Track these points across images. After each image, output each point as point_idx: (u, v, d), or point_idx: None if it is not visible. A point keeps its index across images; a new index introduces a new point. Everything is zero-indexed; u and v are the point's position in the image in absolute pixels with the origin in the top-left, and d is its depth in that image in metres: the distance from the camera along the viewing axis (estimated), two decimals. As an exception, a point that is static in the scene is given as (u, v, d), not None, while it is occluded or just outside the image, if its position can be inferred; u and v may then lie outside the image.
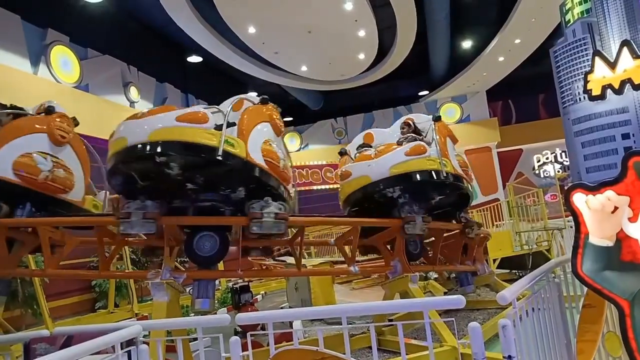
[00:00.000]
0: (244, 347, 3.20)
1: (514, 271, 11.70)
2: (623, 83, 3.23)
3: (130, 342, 3.20)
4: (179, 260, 8.71)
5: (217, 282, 8.16)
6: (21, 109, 5.97)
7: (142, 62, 16.77)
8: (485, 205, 14.88)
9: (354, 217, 6.28)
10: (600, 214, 2.93)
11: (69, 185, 5.58)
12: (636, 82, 3.20)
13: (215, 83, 22.20)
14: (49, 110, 5.74)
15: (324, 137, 27.32)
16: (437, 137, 6.20)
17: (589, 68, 3.41)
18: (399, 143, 6.48)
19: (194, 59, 19.43)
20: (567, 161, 24.26)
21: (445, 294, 9.37)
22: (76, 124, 6.08)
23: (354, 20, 15.39)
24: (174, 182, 4.87)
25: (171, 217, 5.06)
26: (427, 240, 7.03)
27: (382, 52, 18.83)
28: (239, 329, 6.86)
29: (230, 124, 4.90)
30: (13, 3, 11.77)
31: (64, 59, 13.21)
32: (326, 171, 13.45)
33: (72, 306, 12.11)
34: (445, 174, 5.81)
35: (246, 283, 8.55)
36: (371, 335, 3.05)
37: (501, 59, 20.32)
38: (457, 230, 6.78)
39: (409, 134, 6.66)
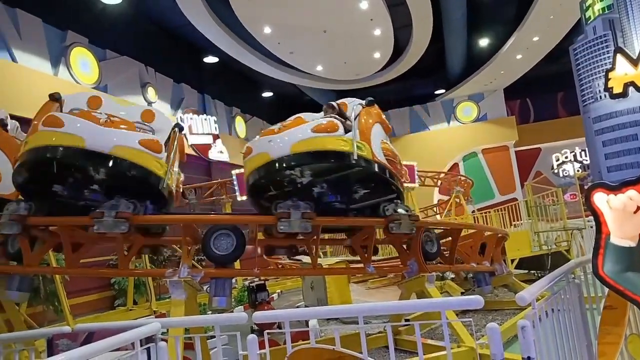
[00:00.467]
0: (261, 345, 3.22)
1: (532, 272, 11.56)
2: (646, 80, 3.18)
3: (149, 339, 3.26)
4: (195, 259, 8.81)
5: (233, 280, 8.22)
6: None
7: (159, 63, 16.96)
8: (503, 204, 14.70)
9: (260, 205, 5.65)
10: (622, 213, 2.88)
11: None
12: (660, 80, 3.14)
13: (231, 83, 22.34)
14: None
15: (339, 137, 27.27)
16: (360, 119, 5.47)
17: (610, 65, 3.35)
18: None
19: (210, 59, 19.58)
20: (587, 160, 23.88)
21: (462, 294, 9.31)
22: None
23: (369, 19, 15.35)
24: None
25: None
26: (444, 240, 6.97)
27: (398, 50, 18.75)
28: (255, 327, 6.91)
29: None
30: (35, 6, 12.02)
31: (83, 60, 13.44)
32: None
33: (92, 303, 12.32)
34: (356, 158, 4.99)
35: (262, 282, 8.59)
36: (388, 335, 3.04)
37: (519, 56, 20.08)
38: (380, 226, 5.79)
39: (330, 116, 5.75)
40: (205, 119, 18.41)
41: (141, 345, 3.11)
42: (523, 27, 17.39)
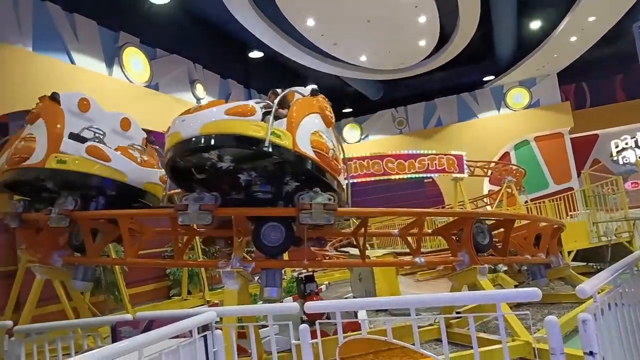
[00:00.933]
0: (312, 336, 3.26)
1: (590, 264, 11.07)
2: None
3: (205, 328, 3.38)
4: (245, 251, 9.01)
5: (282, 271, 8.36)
6: None
7: (206, 60, 17.40)
8: (558, 194, 14.11)
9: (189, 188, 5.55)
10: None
11: None
12: None
13: (276, 77, 22.56)
14: None
15: (385, 128, 27.03)
16: (293, 107, 5.17)
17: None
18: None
19: (255, 54, 19.86)
20: (649, 146, 22.58)
21: (515, 287, 9.03)
22: None
23: (414, 6, 15.04)
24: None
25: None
26: (496, 231, 6.78)
27: (444, 37, 18.27)
28: (305, 318, 7.00)
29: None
30: (90, 10, 12.61)
31: (135, 60, 13.98)
32: (387, 162, 13.29)
33: (149, 293, 12.90)
34: (268, 145, 4.62)
35: (311, 273, 8.67)
36: (441, 327, 3.01)
37: (573, 38, 19.07)
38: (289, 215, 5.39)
39: (267, 102, 5.43)
40: (251, 114, 18.71)
41: (198, 333, 3.23)
42: (578, 7, 16.47)
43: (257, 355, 3.66)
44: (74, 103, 6.33)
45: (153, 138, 7.51)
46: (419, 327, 6.47)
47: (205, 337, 3.33)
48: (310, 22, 15.43)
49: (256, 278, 6.23)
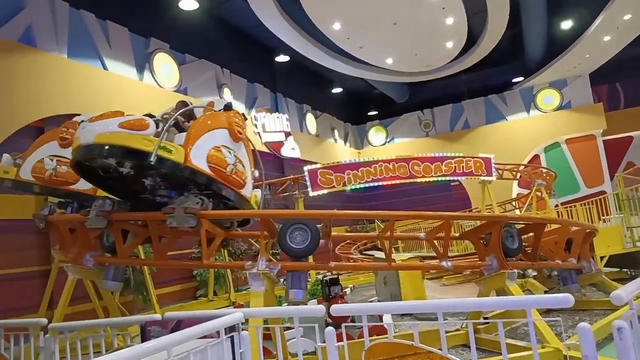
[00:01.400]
0: (337, 338, 3.26)
1: (624, 270, 10.72)
2: None
3: (231, 329, 3.41)
4: (270, 253, 9.07)
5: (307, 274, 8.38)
6: None
7: (234, 65, 17.63)
8: (589, 198, 13.70)
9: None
10: None
11: None
12: None
13: (301, 81, 22.71)
14: None
15: (411, 130, 26.82)
16: (195, 122, 5.41)
17: None
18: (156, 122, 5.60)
19: (282, 58, 20.03)
20: (688, 148, 21.71)
21: (545, 293, 8.82)
22: None
23: (441, 7, 14.89)
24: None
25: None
26: (526, 235, 6.64)
27: (472, 39, 18.03)
28: (329, 321, 7.00)
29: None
30: (122, 17, 12.96)
31: (165, 65, 14.29)
32: (414, 165, 13.17)
33: (176, 294, 13.12)
34: (153, 158, 4.82)
35: (335, 276, 8.67)
36: (469, 332, 2.97)
37: (607, 38, 18.53)
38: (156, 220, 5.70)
39: (170, 114, 5.63)
40: (277, 117, 18.89)
41: (225, 334, 3.27)
42: (613, 5, 16.00)
43: (282, 357, 3.67)
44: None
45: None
46: (446, 332, 6.41)
47: (232, 337, 3.37)
48: (337, 26, 15.46)
49: (281, 280, 6.28)
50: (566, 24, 19.81)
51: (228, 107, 5.66)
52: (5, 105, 9.51)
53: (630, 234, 10.24)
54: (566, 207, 14.16)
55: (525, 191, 19.28)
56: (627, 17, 16.75)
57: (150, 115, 5.63)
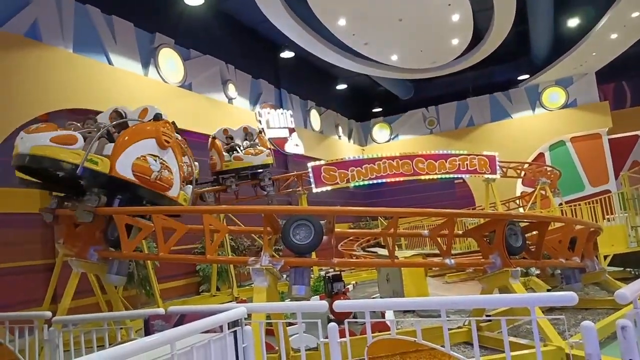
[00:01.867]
0: (339, 335, 3.26)
1: (628, 269, 10.68)
2: None
3: (234, 323, 3.42)
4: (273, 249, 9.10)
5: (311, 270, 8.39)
6: None
7: (238, 60, 17.61)
8: (594, 197, 13.65)
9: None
10: None
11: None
12: None
13: (306, 77, 22.68)
14: None
15: (415, 127, 26.76)
16: (123, 134, 6.05)
17: None
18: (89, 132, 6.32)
19: (287, 54, 20.00)
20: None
21: (548, 291, 8.80)
22: None
23: (447, 4, 14.82)
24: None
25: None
26: (530, 234, 6.63)
27: (478, 35, 17.93)
28: (331, 317, 7.02)
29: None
30: (127, 12, 12.96)
31: (170, 60, 14.29)
32: (417, 162, 13.15)
33: (179, 288, 13.17)
34: (79, 171, 5.57)
35: (338, 272, 8.67)
36: (472, 329, 2.96)
37: (614, 36, 18.40)
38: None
39: (98, 125, 6.44)
40: (281, 113, 18.89)
41: (228, 329, 3.28)
42: (620, 3, 15.88)
43: (285, 352, 3.68)
44: None
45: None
46: (449, 329, 6.41)
47: (234, 332, 3.38)
48: (342, 22, 15.42)
49: (284, 276, 6.30)
50: (573, 22, 19.69)
51: (157, 117, 6.28)
52: (11, 98, 9.55)
53: (635, 233, 10.20)
54: (570, 206, 14.11)
55: (530, 189, 19.22)
56: (635, 14, 16.63)
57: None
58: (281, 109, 19.17)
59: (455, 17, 15.65)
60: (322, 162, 12.82)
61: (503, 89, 24.77)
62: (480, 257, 6.29)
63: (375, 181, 12.92)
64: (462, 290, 11.18)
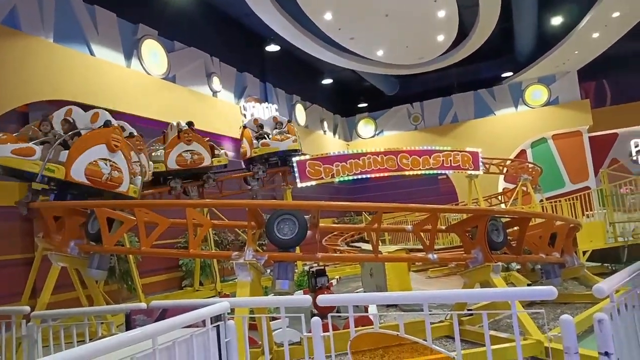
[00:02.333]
0: (322, 329, 3.27)
1: (606, 265, 10.91)
2: None
3: (217, 318, 3.40)
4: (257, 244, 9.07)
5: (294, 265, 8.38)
6: None
7: (223, 53, 17.44)
8: (574, 193, 13.91)
9: None
10: None
11: None
12: None
13: (291, 71, 22.58)
14: None
15: (400, 123, 26.88)
16: (76, 143, 6.58)
17: None
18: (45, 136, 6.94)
19: (272, 47, 19.87)
20: (671, 146, 22.09)
21: (528, 286, 8.94)
22: None
23: (433, 0, 14.89)
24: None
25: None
26: (511, 229, 6.72)
27: (463, 32, 18.08)
28: (315, 311, 7.03)
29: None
30: (110, 2, 12.70)
31: (153, 52, 14.07)
32: (402, 158, 13.22)
33: (162, 283, 13.05)
34: (39, 179, 6.21)
35: (322, 267, 8.68)
36: (454, 323, 3.00)
37: (595, 35, 18.72)
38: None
39: (53, 132, 7.01)
40: (266, 107, 18.77)
41: (211, 323, 3.26)
42: (602, 3, 16.15)
43: (268, 347, 3.68)
44: None
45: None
46: (431, 323, 6.47)
47: (217, 327, 3.36)
48: (328, 16, 15.37)
49: (268, 271, 6.28)
50: (556, 20, 19.96)
51: (107, 124, 6.89)
52: (-12, 89, 9.31)
53: (613, 230, 10.40)
54: (551, 202, 14.35)
55: (511, 186, 19.49)
56: (616, 14, 16.92)
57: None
58: (266, 103, 19.05)
59: (441, 13, 15.73)
60: (307, 157, 12.80)
61: (487, 86, 25.03)
62: (463, 252, 6.36)
63: (359, 176, 12.96)
64: (444, 284, 11.30)
